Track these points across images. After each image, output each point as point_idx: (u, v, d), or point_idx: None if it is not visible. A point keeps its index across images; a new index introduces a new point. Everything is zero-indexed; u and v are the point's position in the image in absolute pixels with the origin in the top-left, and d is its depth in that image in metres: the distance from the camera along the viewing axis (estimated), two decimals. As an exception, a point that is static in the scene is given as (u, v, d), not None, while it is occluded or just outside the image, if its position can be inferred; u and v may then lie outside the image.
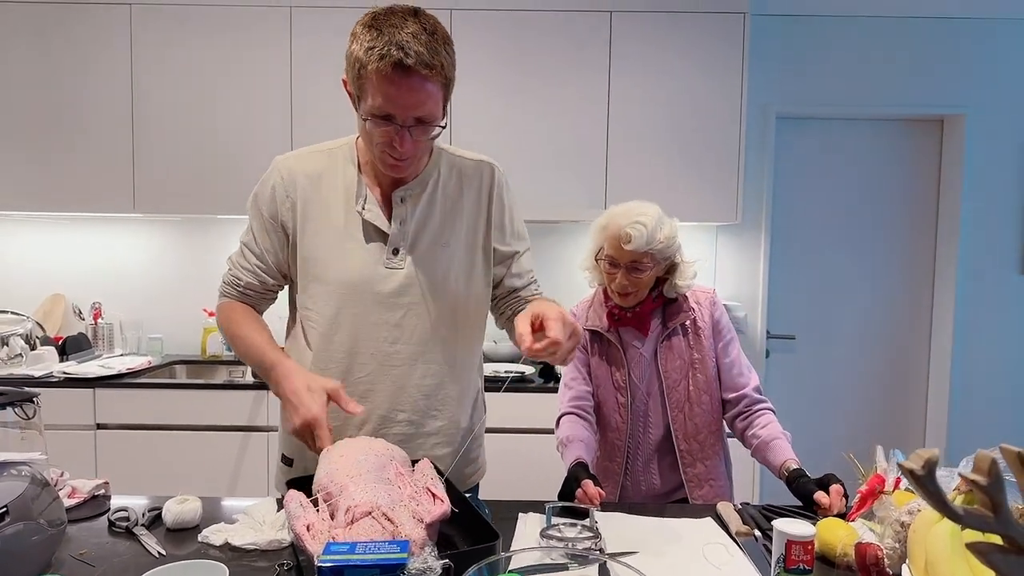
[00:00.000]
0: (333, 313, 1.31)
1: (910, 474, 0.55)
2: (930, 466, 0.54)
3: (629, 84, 2.96)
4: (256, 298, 1.39)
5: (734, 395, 1.69)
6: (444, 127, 1.23)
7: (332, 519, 0.95)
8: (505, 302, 1.46)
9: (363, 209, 1.31)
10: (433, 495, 0.98)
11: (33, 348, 2.90)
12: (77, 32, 2.95)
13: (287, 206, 1.32)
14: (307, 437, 1.16)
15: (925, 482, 0.54)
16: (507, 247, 1.42)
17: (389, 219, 1.31)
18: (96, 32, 2.95)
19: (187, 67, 2.96)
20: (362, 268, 1.30)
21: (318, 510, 0.98)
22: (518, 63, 2.95)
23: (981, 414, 3.44)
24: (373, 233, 1.31)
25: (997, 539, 0.55)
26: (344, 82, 1.23)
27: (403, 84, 1.13)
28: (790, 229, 3.46)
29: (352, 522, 0.91)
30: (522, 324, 1.12)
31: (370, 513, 0.92)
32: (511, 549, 1.17)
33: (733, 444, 1.77)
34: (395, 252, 1.31)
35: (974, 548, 0.54)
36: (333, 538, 0.89)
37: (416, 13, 1.16)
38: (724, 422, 1.74)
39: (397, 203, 1.31)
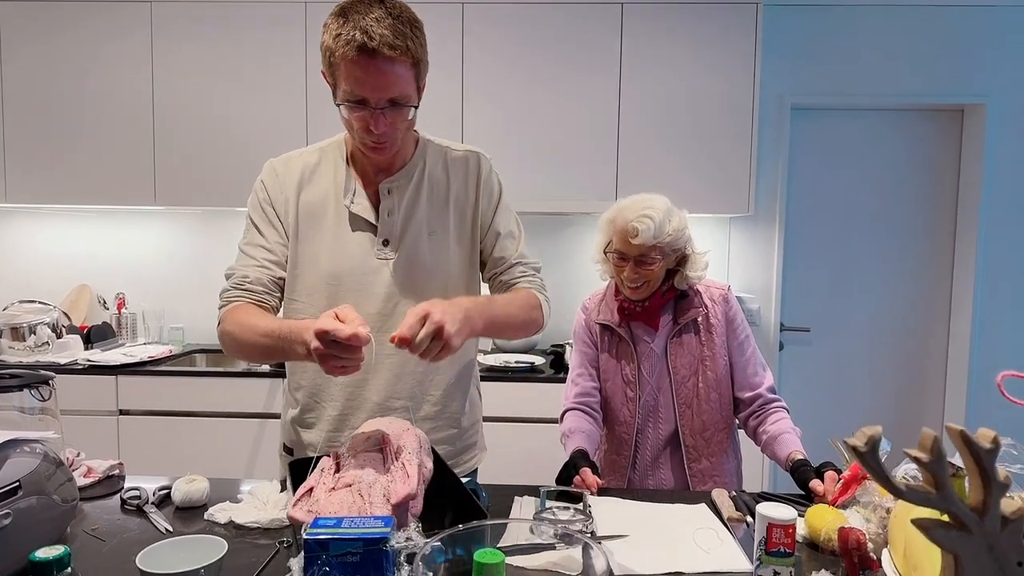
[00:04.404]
0: (325, 305, 1.33)
1: (854, 450, 0.57)
2: (872, 443, 0.56)
3: (640, 76, 2.96)
4: (264, 294, 1.34)
5: (748, 395, 1.68)
6: (417, 107, 1.25)
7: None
8: (491, 286, 1.48)
9: (351, 203, 1.34)
10: (407, 474, 1.01)
11: (59, 336, 3.00)
12: (98, 29, 3.03)
13: (281, 200, 1.36)
14: (329, 351, 1.02)
15: (868, 458, 0.56)
16: (492, 228, 1.43)
17: (377, 211, 1.35)
18: (117, 29, 3.03)
19: (205, 62, 3.03)
20: (353, 260, 1.34)
21: (323, 471, 1.05)
22: (529, 56, 2.97)
23: (1000, 408, 3.38)
24: (363, 225, 1.35)
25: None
26: (323, 74, 1.25)
27: (370, 67, 1.15)
28: (805, 220, 3.44)
29: (333, 489, 0.96)
30: (408, 320, 1.07)
31: (350, 486, 0.96)
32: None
33: (745, 441, 1.76)
34: (385, 243, 1.35)
35: (918, 524, 0.56)
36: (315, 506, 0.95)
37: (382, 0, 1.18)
38: (736, 420, 1.74)
39: (384, 195, 1.34)
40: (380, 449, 1.08)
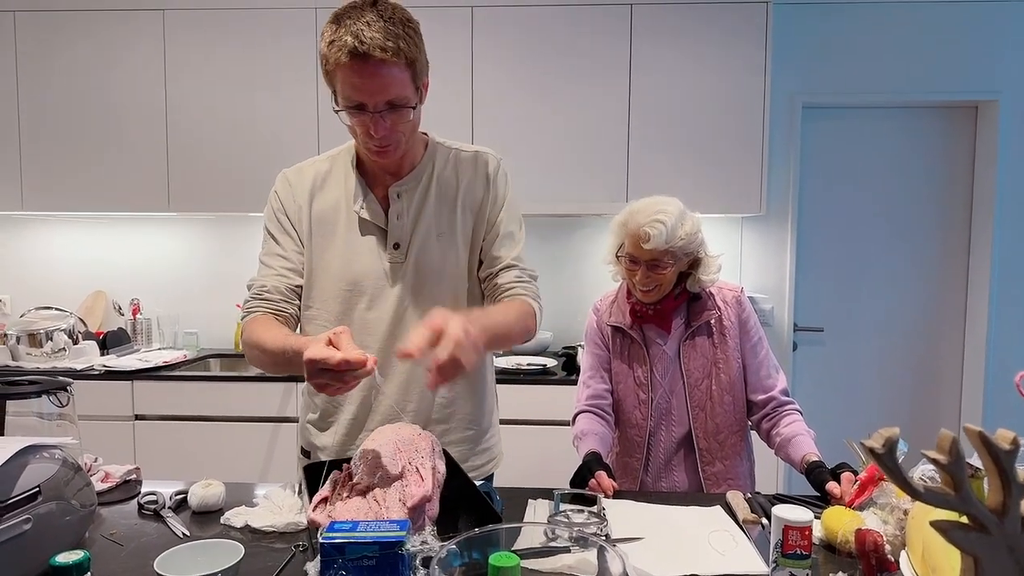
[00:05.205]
0: (339, 311, 1.35)
1: (871, 452, 0.57)
2: (890, 444, 0.55)
3: (650, 76, 2.96)
4: (283, 302, 1.35)
5: (761, 397, 1.67)
6: (416, 107, 1.25)
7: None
8: (485, 284, 1.43)
9: (361, 208, 1.35)
10: (420, 477, 1.01)
11: (75, 342, 3.03)
12: (112, 38, 3.06)
13: (294, 209, 1.37)
14: (322, 377, 1.02)
15: (885, 460, 0.56)
16: (494, 227, 1.39)
17: (387, 215, 1.35)
18: (131, 37, 3.06)
19: (218, 69, 3.05)
20: (365, 265, 1.34)
21: (336, 482, 1.04)
22: (539, 58, 2.97)
23: (1018, 409, 3.35)
24: (373, 230, 1.35)
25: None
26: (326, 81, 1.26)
27: (363, 71, 1.15)
28: (817, 220, 3.42)
29: (349, 497, 0.96)
30: (417, 335, 1.02)
31: (364, 493, 0.97)
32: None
33: (758, 444, 1.75)
34: (396, 247, 1.35)
35: (936, 525, 0.55)
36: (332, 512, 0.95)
37: (375, 3, 1.18)
38: (749, 422, 1.73)
39: (394, 199, 1.35)
40: (392, 454, 1.08)
